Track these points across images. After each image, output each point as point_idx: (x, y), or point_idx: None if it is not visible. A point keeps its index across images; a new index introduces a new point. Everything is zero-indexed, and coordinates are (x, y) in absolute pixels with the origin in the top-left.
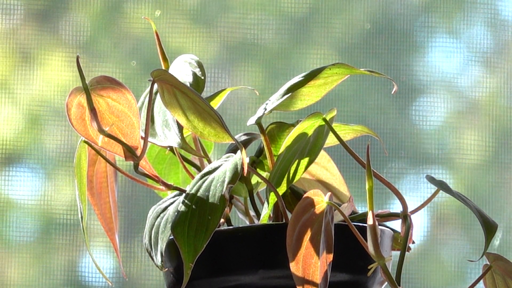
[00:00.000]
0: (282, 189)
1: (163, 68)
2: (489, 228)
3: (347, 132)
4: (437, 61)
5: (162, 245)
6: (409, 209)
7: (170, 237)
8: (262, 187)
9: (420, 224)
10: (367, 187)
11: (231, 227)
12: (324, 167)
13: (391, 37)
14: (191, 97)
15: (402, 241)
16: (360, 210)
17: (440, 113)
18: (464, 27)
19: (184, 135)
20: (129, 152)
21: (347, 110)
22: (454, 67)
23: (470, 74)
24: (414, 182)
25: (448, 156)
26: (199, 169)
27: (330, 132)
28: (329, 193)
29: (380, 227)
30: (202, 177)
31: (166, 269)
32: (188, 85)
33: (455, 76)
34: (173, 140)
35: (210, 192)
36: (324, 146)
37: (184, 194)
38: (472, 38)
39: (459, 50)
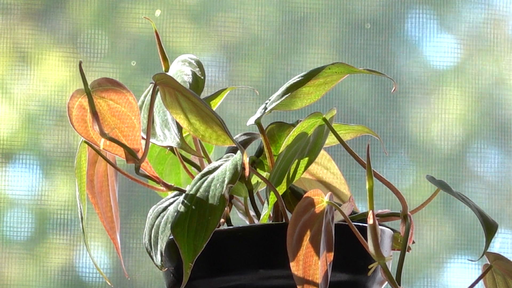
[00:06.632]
0: (282, 189)
1: (163, 67)
2: (490, 228)
3: (347, 132)
4: (432, 58)
5: (162, 245)
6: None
7: (170, 237)
8: (262, 187)
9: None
10: (367, 186)
11: (231, 227)
12: (325, 167)
13: (390, 36)
14: (193, 100)
15: (402, 241)
16: (361, 210)
17: (440, 110)
18: (457, 24)
19: (184, 135)
20: (131, 154)
21: (347, 110)
22: (449, 63)
23: (466, 70)
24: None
25: (449, 152)
26: (199, 169)
27: (330, 132)
28: (329, 193)
29: (380, 227)
30: (202, 177)
31: (166, 268)
32: (188, 86)
33: (452, 73)
34: (172, 140)
35: (210, 192)
36: (324, 146)
37: (184, 194)
38: (468, 35)
39: (453, 47)
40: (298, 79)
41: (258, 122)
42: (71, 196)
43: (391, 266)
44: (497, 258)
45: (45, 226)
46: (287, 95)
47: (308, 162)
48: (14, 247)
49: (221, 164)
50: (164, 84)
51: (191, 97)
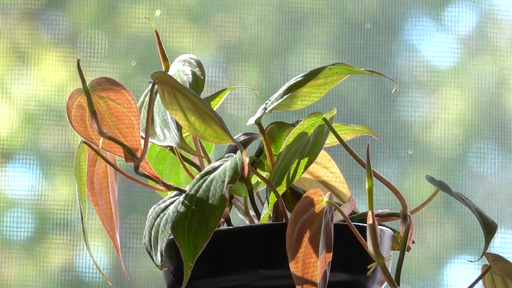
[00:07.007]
0: (282, 189)
1: (163, 67)
2: (489, 228)
3: (347, 132)
4: (432, 58)
5: (162, 245)
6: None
7: (170, 237)
8: (262, 187)
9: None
10: (366, 186)
11: (231, 227)
12: (325, 167)
13: (390, 36)
14: (192, 99)
15: (401, 241)
16: (361, 209)
17: (440, 110)
18: (457, 24)
19: (184, 135)
20: (130, 153)
21: (347, 110)
22: (449, 63)
23: (466, 70)
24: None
25: (449, 152)
26: (199, 169)
27: (330, 132)
28: (328, 193)
29: (380, 227)
30: (202, 177)
31: (166, 268)
32: (188, 85)
33: (452, 73)
34: (172, 140)
35: (210, 192)
36: (324, 146)
37: (184, 194)
38: (468, 35)
39: (453, 47)
40: (299, 79)
41: (258, 122)
42: (71, 196)
43: (391, 266)
44: (496, 258)
45: (44, 226)
46: (287, 95)
47: (308, 162)
48: (13, 247)
49: (221, 164)
50: (163, 83)
51: (190, 95)
